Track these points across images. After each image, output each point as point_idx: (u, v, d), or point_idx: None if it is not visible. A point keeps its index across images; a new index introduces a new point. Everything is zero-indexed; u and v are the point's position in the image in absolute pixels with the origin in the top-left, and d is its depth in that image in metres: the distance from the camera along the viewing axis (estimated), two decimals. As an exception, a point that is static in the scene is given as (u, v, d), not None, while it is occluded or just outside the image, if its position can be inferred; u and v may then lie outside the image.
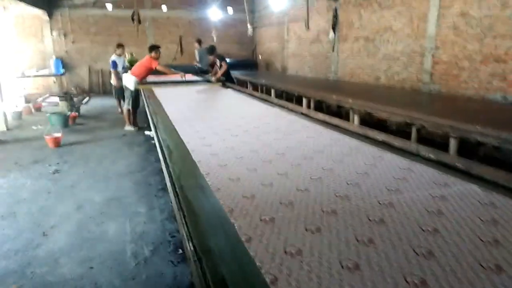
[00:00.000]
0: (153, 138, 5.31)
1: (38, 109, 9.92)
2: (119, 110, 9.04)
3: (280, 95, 7.74)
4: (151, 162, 5.35)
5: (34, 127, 7.79)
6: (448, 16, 5.89)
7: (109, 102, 10.81)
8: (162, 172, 3.62)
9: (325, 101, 5.67)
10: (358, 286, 1.19)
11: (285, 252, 1.41)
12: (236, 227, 1.61)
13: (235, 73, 11.60)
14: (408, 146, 2.72)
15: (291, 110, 4.50)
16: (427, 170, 2.31)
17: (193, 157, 2.68)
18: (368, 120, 5.08)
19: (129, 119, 7.45)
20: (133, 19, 10.29)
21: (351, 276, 1.25)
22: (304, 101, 6.40)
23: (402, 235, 1.53)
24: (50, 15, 12.87)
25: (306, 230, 1.58)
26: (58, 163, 5.35)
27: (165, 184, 4.03)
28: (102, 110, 10.11)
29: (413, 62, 6.70)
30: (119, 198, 4.10)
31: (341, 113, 5.50)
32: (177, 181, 2.18)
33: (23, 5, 11.08)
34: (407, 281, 1.21)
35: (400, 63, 7.03)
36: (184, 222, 1.71)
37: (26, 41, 12.74)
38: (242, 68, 13.36)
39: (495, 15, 5.13)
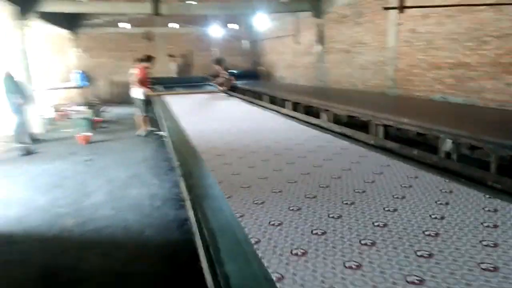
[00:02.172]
0: (163, 137, 6.68)
1: (67, 116, 11.48)
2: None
3: (271, 100, 9.09)
4: (160, 153, 6.72)
5: (65, 130, 9.28)
6: (403, 32, 7.19)
7: (126, 110, 12.30)
8: (170, 159, 5.00)
9: (300, 103, 7.00)
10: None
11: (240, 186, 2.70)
12: (205, 163, 2.96)
13: (237, 83, 13.04)
14: (347, 132, 3.89)
15: (268, 108, 5.85)
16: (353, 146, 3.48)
17: (186, 133, 4.07)
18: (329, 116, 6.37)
19: (142, 124, 8.79)
20: (147, 38, 11.81)
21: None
22: (287, 103, 7.74)
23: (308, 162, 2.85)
24: (73, 34, 14.55)
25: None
26: (89, 155, 6.78)
27: (172, 167, 5.42)
28: (120, 116, 11.61)
29: (379, 71, 8.00)
30: (138, 175, 5.48)
31: (312, 111, 6.80)
32: (175, 143, 3.56)
33: (50, 26, 12.75)
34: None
35: (371, 72, 8.33)
36: (179, 164, 3.04)
37: (53, 57, 14.42)
38: (245, 78, 14.75)
39: (433, 31, 6.42)
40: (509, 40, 5.10)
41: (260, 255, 1.48)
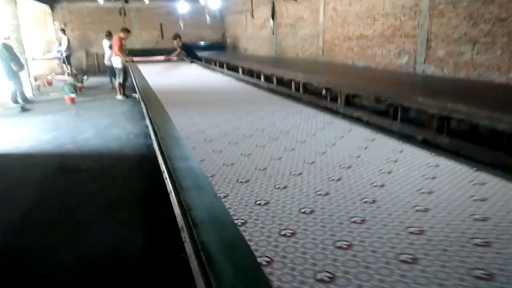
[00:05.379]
0: (137, 98, 8.34)
1: (50, 83, 12.93)
2: (111, 85, 11.88)
3: (228, 66, 10.84)
4: (136, 108, 8.44)
5: (52, 94, 10.83)
6: (328, 10, 9.00)
7: (103, 79, 13.81)
8: (142, 112, 6.74)
9: (245, 68, 8.84)
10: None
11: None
12: (164, 105, 4.76)
13: (205, 54, 14.64)
14: (271, 86, 5.79)
15: (221, 72, 7.64)
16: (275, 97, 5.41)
17: (152, 88, 5.86)
18: (270, 78, 8.22)
19: (119, 90, 10.31)
20: (120, 13, 13.19)
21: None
22: (240, 69, 9.54)
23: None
24: (52, 8, 15.70)
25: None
26: (76, 110, 8.45)
27: (143, 117, 7.19)
28: (98, 84, 13.14)
29: (314, 42, 9.83)
30: (117, 122, 7.24)
31: (260, 75, 8.62)
32: (141, 89, 5.34)
33: (31, 1, 13.93)
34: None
35: (308, 43, 10.15)
36: (147, 112, 4.81)
37: (34, 30, 15.59)
38: (213, 49, 16.39)
39: (347, 10, 8.24)
40: (389, 18, 6.99)
41: (173, 121, 3.36)
